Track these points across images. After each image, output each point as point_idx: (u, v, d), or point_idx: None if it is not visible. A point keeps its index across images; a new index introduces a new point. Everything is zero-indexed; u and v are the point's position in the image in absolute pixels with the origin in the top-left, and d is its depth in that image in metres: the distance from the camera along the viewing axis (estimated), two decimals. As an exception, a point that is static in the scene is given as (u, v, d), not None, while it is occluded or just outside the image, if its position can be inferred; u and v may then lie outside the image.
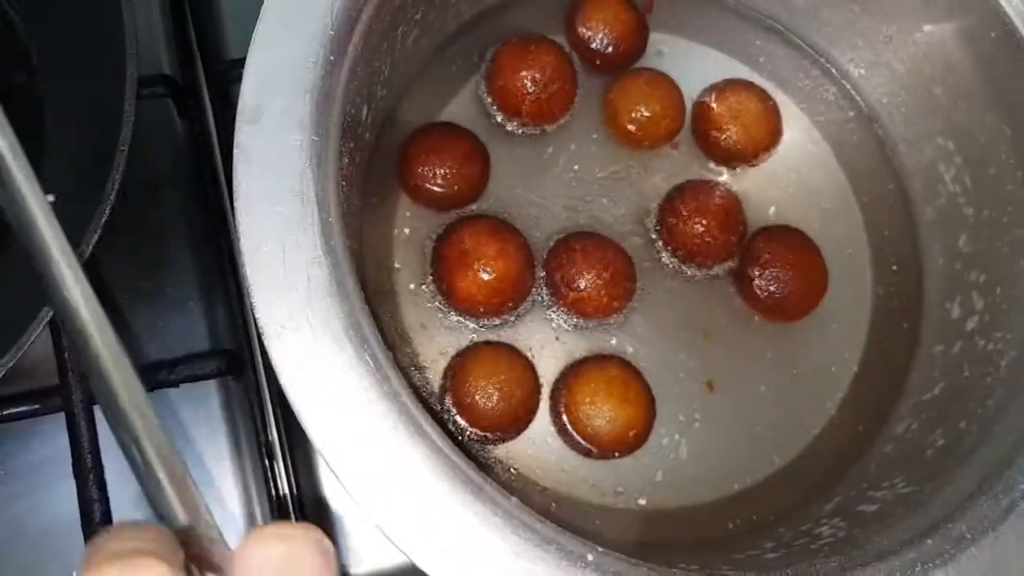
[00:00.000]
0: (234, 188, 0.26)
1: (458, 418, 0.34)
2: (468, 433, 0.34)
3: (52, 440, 0.35)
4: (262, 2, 0.28)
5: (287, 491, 0.36)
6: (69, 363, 0.32)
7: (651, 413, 0.36)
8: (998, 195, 0.36)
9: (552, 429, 0.36)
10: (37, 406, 0.34)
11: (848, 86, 0.43)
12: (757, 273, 0.38)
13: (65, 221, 0.30)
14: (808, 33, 0.43)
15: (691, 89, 0.41)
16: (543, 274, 0.37)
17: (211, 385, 0.37)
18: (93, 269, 0.25)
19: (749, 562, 0.32)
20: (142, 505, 0.19)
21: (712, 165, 0.41)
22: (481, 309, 0.35)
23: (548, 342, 0.36)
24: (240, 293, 0.38)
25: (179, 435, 0.36)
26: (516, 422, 0.34)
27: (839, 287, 0.39)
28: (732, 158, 0.40)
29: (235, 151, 0.26)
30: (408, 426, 0.25)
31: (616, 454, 0.35)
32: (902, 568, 0.27)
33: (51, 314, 0.27)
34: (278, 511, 0.36)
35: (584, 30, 0.40)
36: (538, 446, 0.35)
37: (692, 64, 0.42)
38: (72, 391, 0.32)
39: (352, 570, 0.35)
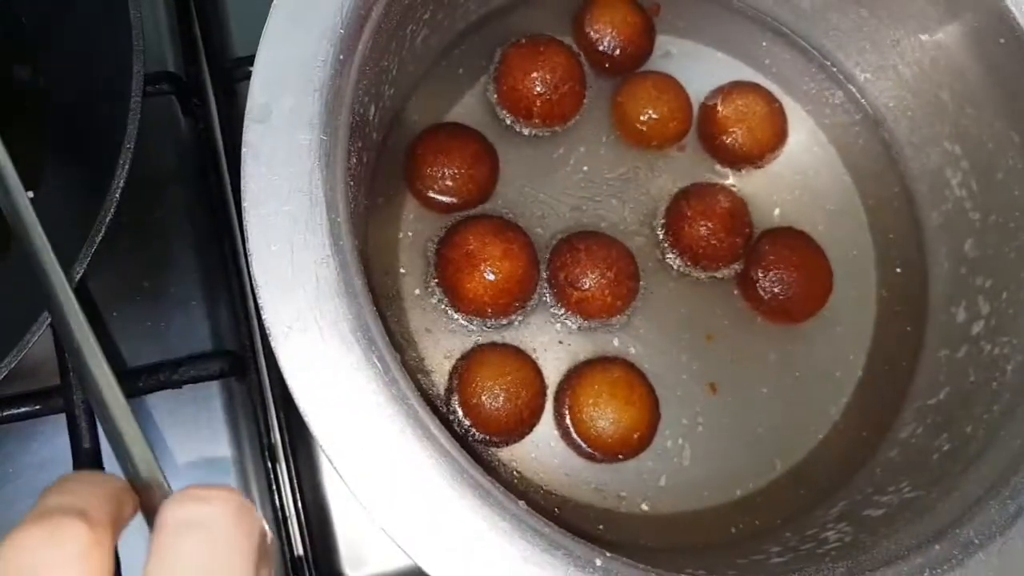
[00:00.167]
0: (242, 187, 0.25)
1: (464, 420, 0.34)
2: (473, 435, 0.34)
3: (53, 441, 0.34)
4: (268, 1, 0.28)
5: (289, 493, 0.35)
6: (70, 364, 0.32)
7: (655, 416, 0.36)
8: (1005, 200, 0.36)
9: (555, 432, 0.35)
10: (38, 407, 0.33)
11: (854, 90, 0.43)
12: (761, 275, 0.38)
13: (69, 219, 0.30)
14: (815, 36, 0.43)
15: (698, 91, 0.41)
16: (547, 274, 0.37)
17: (214, 386, 0.36)
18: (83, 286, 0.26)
19: (754, 567, 0.32)
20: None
21: (718, 167, 0.40)
22: (489, 310, 0.35)
23: (551, 344, 0.36)
24: (244, 294, 0.38)
25: (181, 436, 0.36)
26: (521, 424, 0.34)
27: (843, 289, 0.39)
28: (738, 160, 0.40)
29: (243, 150, 0.26)
30: (416, 429, 0.24)
31: (620, 457, 0.35)
32: (910, 573, 0.27)
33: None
34: (280, 513, 0.36)
35: (592, 32, 0.40)
36: (541, 449, 0.35)
37: (699, 66, 0.42)
38: (73, 392, 0.32)
39: (354, 573, 0.35)
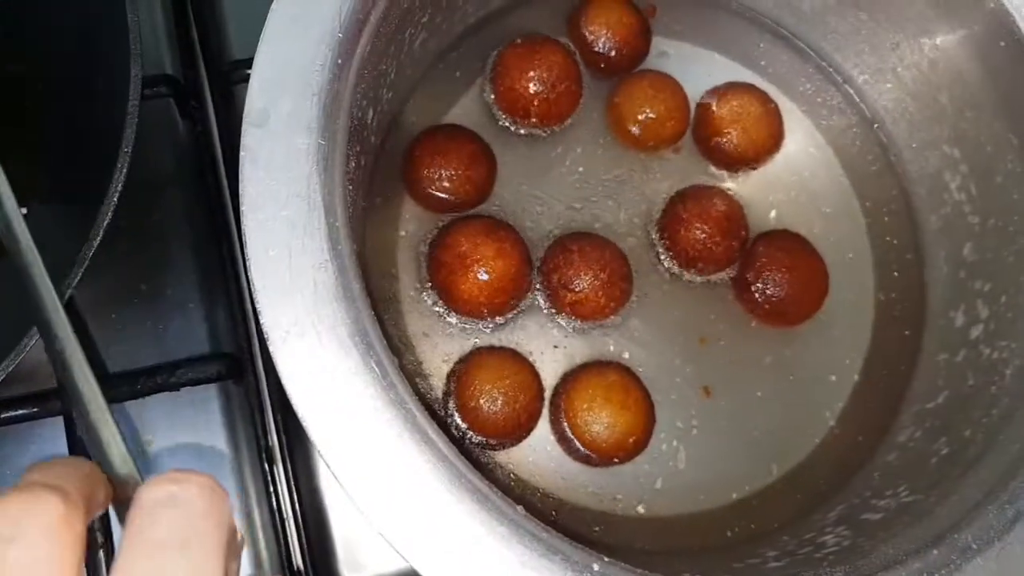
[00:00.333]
0: (240, 192, 0.25)
1: (461, 423, 0.34)
2: (470, 438, 0.34)
3: (51, 443, 0.34)
4: (266, 2, 0.28)
5: (287, 496, 0.35)
6: (54, 370, 0.32)
7: (651, 419, 0.36)
8: (1004, 204, 0.36)
9: (552, 436, 0.35)
10: (36, 409, 0.33)
11: (852, 92, 0.43)
12: (756, 277, 0.38)
13: (67, 223, 0.30)
14: (814, 39, 0.42)
15: (694, 93, 0.41)
16: (540, 276, 0.37)
17: (211, 389, 0.36)
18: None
19: (751, 571, 0.32)
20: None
21: (714, 169, 0.40)
22: (485, 310, 0.35)
23: (547, 347, 0.36)
24: (241, 296, 0.38)
25: (179, 439, 0.36)
26: (518, 428, 0.34)
27: (840, 292, 0.39)
28: (734, 162, 0.40)
29: (241, 154, 0.26)
30: (414, 433, 0.24)
31: (616, 460, 0.35)
32: (908, 578, 0.27)
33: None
34: (278, 515, 0.36)
35: (587, 33, 0.40)
36: (538, 452, 0.35)
37: (695, 68, 0.42)
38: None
39: None
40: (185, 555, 0.17)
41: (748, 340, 0.38)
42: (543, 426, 0.35)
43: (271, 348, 0.24)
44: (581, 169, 0.39)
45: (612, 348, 0.37)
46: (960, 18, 0.37)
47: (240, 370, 0.36)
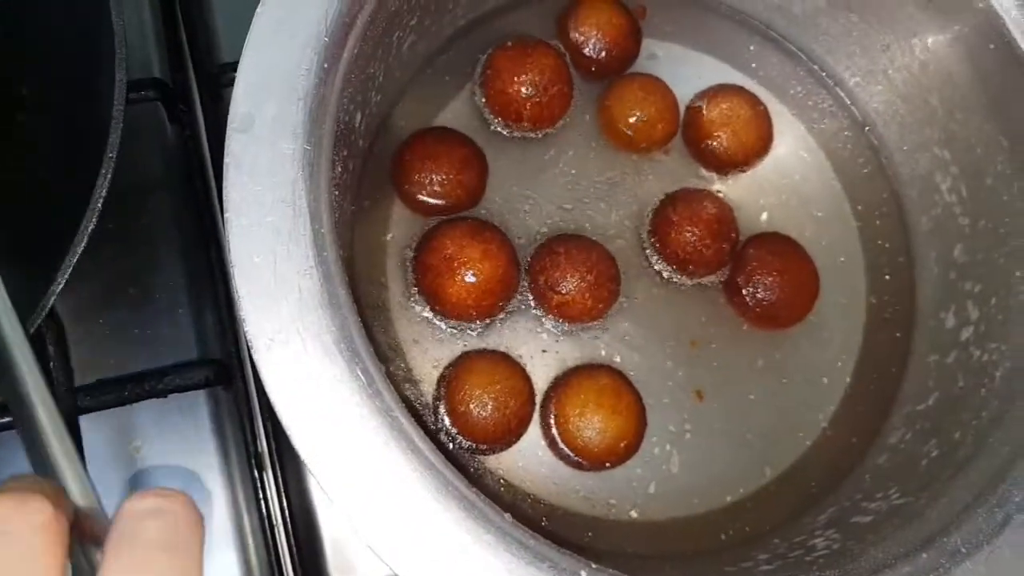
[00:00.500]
0: (224, 198, 0.25)
1: (451, 428, 0.34)
2: (460, 443, 0.34)
3: (36, 451, 0.34)
4: (255, 6, 0.28)
5: (276, 502, 0.35)
6: (54, 374, 0.31)
7: (642, 423, 0.35)
8: (995, 206, 0.36)
9: (543, 441, 0.35)
10: (22, 416, 0.33)
11: (843, 94, 0.43)
12: (746, 280, 0.38)
13: (51, 228, 0.29)
14: (804, 41, 0.42)
15: (684, 95, 0.41)
16: (528, 278, 0.37)
17: (200, 395, 0.36)
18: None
19: (742, 574, 0.32)
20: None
21: (704, 171, 0.40)
22: (473, 313, 0.35)
23: (536, 351, 0.36)
24: (230, 301, 0.38)
25: (167, 445, 0.36)
26: (508, 433, 0.34)
27: (832, 295, 0.39)
28: (723, 164, 0.40)
29: (226, 159, 0.26)
30: (400, 441, 0.24)
31: (607, 465, 0.35)
32: (897, 582, 0.27)
33: (34, 327, 0.27)
34: (267, 521, 0.35)
35: (577, 35, 0.40)
36: (528, 457, 0.35)
37: (685, 70, 0.41)
38: (58, 402, 0.31)
39: (343, 581, 0.35)
40: (172, 559, 0.18)
41: (739, 343, 0.38)
42: (534, 430, 0.35)
43: (255, 356, 0.24)
44: (573, 171, 0.39)
45: (603, 352, 0.37)
46: (950, 20, 0.37)
47: (228, 376, 0.36)
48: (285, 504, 0.35)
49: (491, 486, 0.34)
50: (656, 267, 0.38)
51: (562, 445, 0.35)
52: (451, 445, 0.34)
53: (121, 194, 0.29)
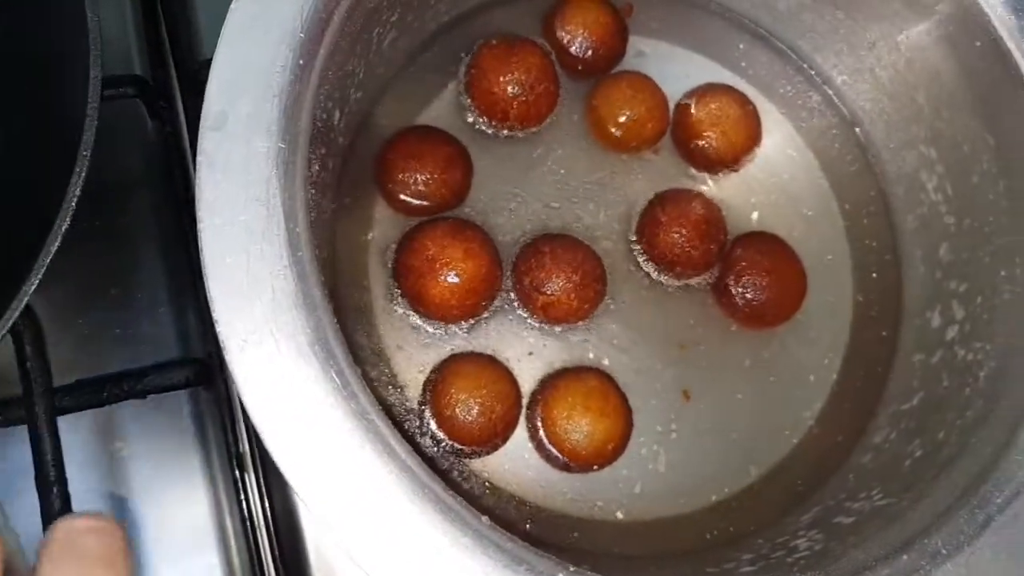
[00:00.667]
0: (197, 196, 0.25)
1: (437, 431, 0.34)
2: (445, 446, 0.34)
3: (15, 452, 0.34)
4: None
5: (258, 503, 0.35)
6: (32, 374, 0.31)
7: (629, 425, 0.35)
8: (980, 205, 0.36)
9: (529, 444, 0.35)
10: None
11: (831, 92, 0.42)
12: (734, 280, 0.37)
13: (27, 225, 0.29)
14: (791, 38, 0.42)
15: (672, 94, 0.40)
16: (513, 279, 0.36)
17: (181, 395, 0.36)
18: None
19: (725, 575, 0.32)
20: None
21: (694, 171, 0.40)
22: (456, 313, 0.35)
23: (523, 353, 0.36)
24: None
25: (148, 446, 0.36)
26: (494, 437, 0.34)
27: (819, 294, 0.39)
28: (712, 164, 0.40)
29: (199, 158, 0.25)
30: (376, 444, 0.24)
31: (595, 468, 0.35)
32: (877, 584, 0.27)
33: (12, 324, 0.26)
34: (249, 522, 0.35)
35: (563, 33, 0.39)
36: (515, 460, 0.35)
37: (673, 68, 0.41)
38: (35, 403, 0.31)
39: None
40: (109, 573, 0.18)
41: (727, 343, 0.38)
42: (520, 433, 0.35)
43: (227, 357, 0.24)
44: (562, 171, 0.39)
45: (591, 354, 0.36)
46: (936, 16, 0.36)
47: (209, 376, 0.36)
48: (267, 505, 0.35)
49: (474, 489, 0.34)
50: (644, 268, 0.38)
51: (549, 448, 0.34)
52: (436, 449, 0.34)
53: (101, 192, 0.28)
